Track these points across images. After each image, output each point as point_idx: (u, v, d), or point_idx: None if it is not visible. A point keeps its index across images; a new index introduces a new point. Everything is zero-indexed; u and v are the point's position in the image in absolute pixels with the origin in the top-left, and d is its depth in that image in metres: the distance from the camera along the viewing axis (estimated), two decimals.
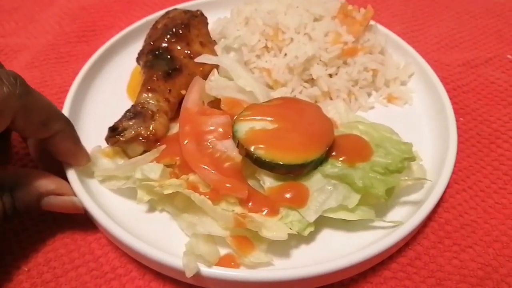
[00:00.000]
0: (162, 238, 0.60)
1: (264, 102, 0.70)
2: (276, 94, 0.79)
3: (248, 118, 0.65)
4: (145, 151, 0.68)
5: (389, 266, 0.60)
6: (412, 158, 0.62)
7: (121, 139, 0.66)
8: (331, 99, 0.81)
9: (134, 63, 0.85)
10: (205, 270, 0.52)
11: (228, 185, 0.60)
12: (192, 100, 0.71)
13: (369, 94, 0.84)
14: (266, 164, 0.60)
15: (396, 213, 0.64)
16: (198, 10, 0.87)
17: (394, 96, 0.82)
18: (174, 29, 0.79)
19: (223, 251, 0.58)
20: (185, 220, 0.60)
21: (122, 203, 0.65)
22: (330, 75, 0.81)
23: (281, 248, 0.59)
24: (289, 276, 0.52)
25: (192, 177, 0.62)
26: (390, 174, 0.61)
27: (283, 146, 0.61)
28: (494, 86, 0.85)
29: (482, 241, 0.62)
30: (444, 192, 0.65)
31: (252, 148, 0.60)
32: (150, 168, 0.60)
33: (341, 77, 0.80)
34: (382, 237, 0.60)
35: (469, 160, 0.72)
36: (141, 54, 0.80)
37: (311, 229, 0.58)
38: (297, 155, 0.60)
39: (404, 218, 0.62)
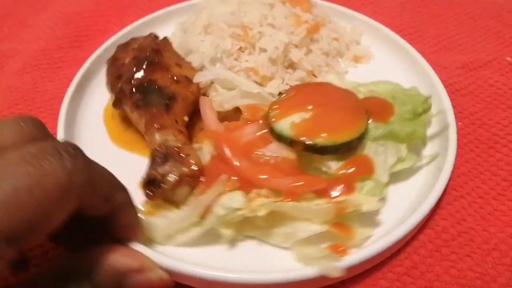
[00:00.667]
0: (259, 262, 0.58)
1: (279, 97, 0.70)
2: (269, 88, 0.79)
3: (282, 115, 0.65)
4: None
5: (385, 275, 0.58)
6: (427, 97, 0.70)
7: (166, 187, 0.59)
8: (315, 76, 0.85)
9: None
10: (342, 263, 0.53)
11: (302, 183, 0.60)
12: (213, 121, 0.67)
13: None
14: (329, 149, 0.61)
15: (427, 151, 0.71)
16: (151, 33, 0.81)
17: (358, 55, 0.90)
18: (148, 59, 0.72)
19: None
20: (278, 234, 0.58)
21: (194, 252, 0.60)
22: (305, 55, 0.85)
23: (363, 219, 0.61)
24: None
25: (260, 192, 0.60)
26: (419, 117, 0.68)
27: (333, 127, 0.62)
28: (493, 89, 0.82)
29: (481, 250, 0.59)
30: (441, 199, 0.64)
31: (311, 140, 0.61)
32: (230, 199, 0.56)
33: (316, 53, 0.84)
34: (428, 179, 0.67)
35: (467, 166, 0.70)
36: (122, 98, 0.71)
37: (386, 188, 0.63)
38: (351, 130, 0.62)
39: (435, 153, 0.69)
